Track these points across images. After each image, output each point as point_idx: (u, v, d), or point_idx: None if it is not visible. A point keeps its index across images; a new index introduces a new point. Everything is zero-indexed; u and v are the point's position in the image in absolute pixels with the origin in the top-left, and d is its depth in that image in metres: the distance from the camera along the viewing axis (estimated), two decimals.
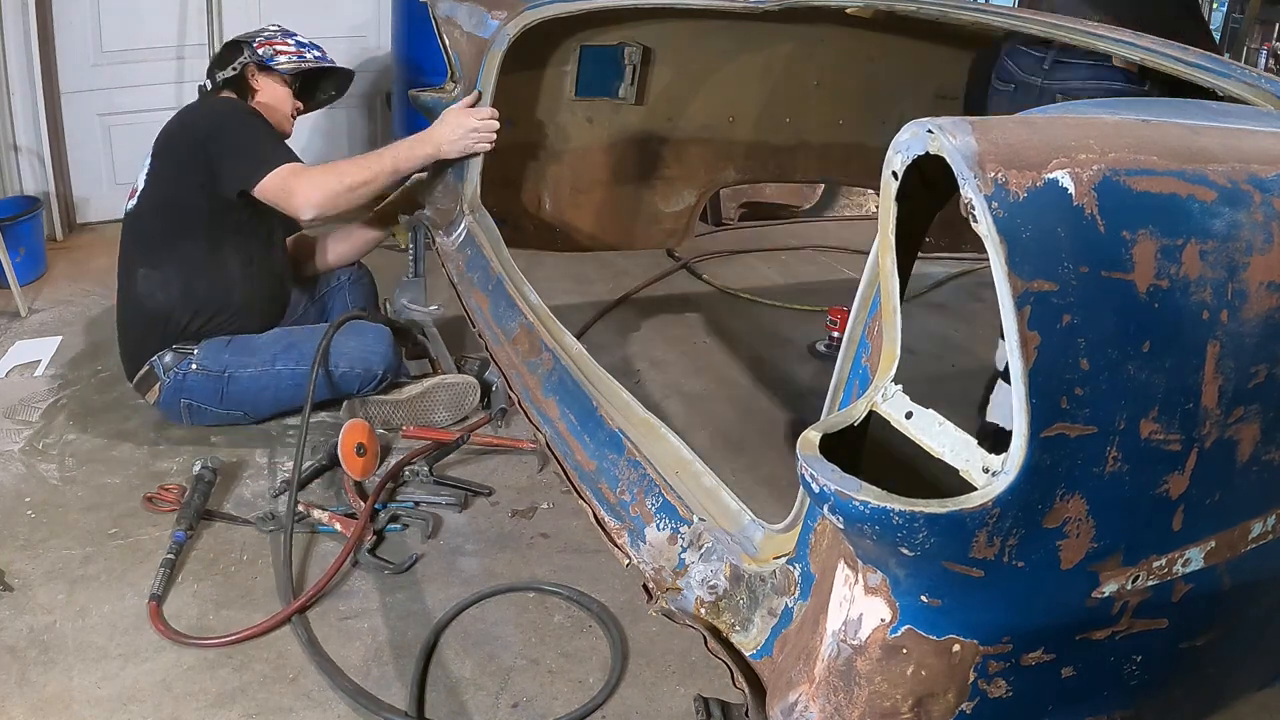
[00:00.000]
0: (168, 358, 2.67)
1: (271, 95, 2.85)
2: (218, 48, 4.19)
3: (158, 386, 2.69)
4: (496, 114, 2.62)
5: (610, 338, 3.54)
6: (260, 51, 2.82)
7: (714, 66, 3.20)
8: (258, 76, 2.84)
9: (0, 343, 3.26)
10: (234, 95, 2.82)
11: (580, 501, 1.68)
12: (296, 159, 2.63)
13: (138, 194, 2.74)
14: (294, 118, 2.92)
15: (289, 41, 2.89)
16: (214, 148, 2.60)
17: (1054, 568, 1.03)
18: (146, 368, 2.69)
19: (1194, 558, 1.13)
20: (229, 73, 2.83)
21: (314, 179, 2.58)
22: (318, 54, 2.94)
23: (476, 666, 2.03)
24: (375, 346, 2.76)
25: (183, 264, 2.68)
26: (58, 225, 4.14)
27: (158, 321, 2.68)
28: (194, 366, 2.66)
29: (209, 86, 2.88)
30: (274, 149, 2.63)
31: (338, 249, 3.12)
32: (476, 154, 2.64)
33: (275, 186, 2.57)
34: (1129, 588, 1.09)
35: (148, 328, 2.70)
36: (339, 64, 3.04)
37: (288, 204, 2.59)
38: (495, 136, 2.62)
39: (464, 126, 2.60)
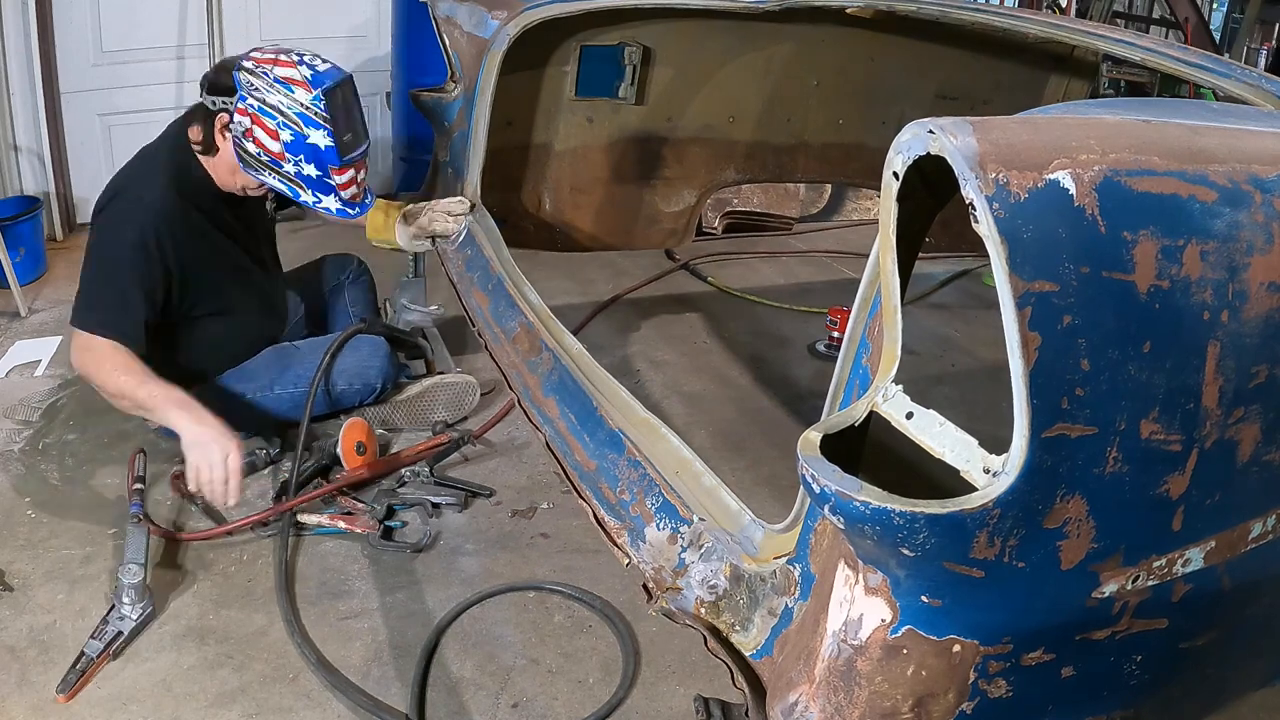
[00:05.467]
0: None
1: (233, 163, 2.40)
2: (218, 48, 4.22)
3: None
4: (235, 486, 2.26)
5: (610, 338, 3.54)
6: (238, 118, 2.31)
7: (714, 66, 3.20)
8: (225, 133, 2.37)
9: (0, 343, 3.26)
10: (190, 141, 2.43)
11: (580, 501, 1.68)
12: (121, 331, 2.31)
13: None
14: (245, 193, 2.49)
15: (280, 133, 2.29)
16: (85, 256, 2.38)
17: (1054, 568, 1.03)
18: None
19: (1194, 558, 1.13)
20: (208, 104, 2.37)
21: (86, 359, 2.33)
22: (305, 173, 2.33)
23: (476, 666, 2.03)
24: (372, 361, 2.75)
25: (155, 340, 2.43)
26: (58, 225, 4.14)
27: None
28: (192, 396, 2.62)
29: (201, 93, 2.39)
30: (109, 309, 2.32)
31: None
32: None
33: (74, 335, 2.35)
34: (1129, 588, 1.09)
35: None
36: (340, 199, 2.42)
37: (72, 355, 2.36)
38: (217, 492, 2.26)
39: (213, 455, 2.23)
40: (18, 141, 3.99)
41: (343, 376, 2.72)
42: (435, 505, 2.49)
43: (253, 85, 2.30)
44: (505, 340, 2.18)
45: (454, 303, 2.53)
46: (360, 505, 2.44)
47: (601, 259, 3.99)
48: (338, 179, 2.39)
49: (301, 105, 2.29)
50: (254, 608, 2.14)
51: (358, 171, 2.43)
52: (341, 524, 2.37)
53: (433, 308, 3.12)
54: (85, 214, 4.28)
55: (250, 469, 2.58)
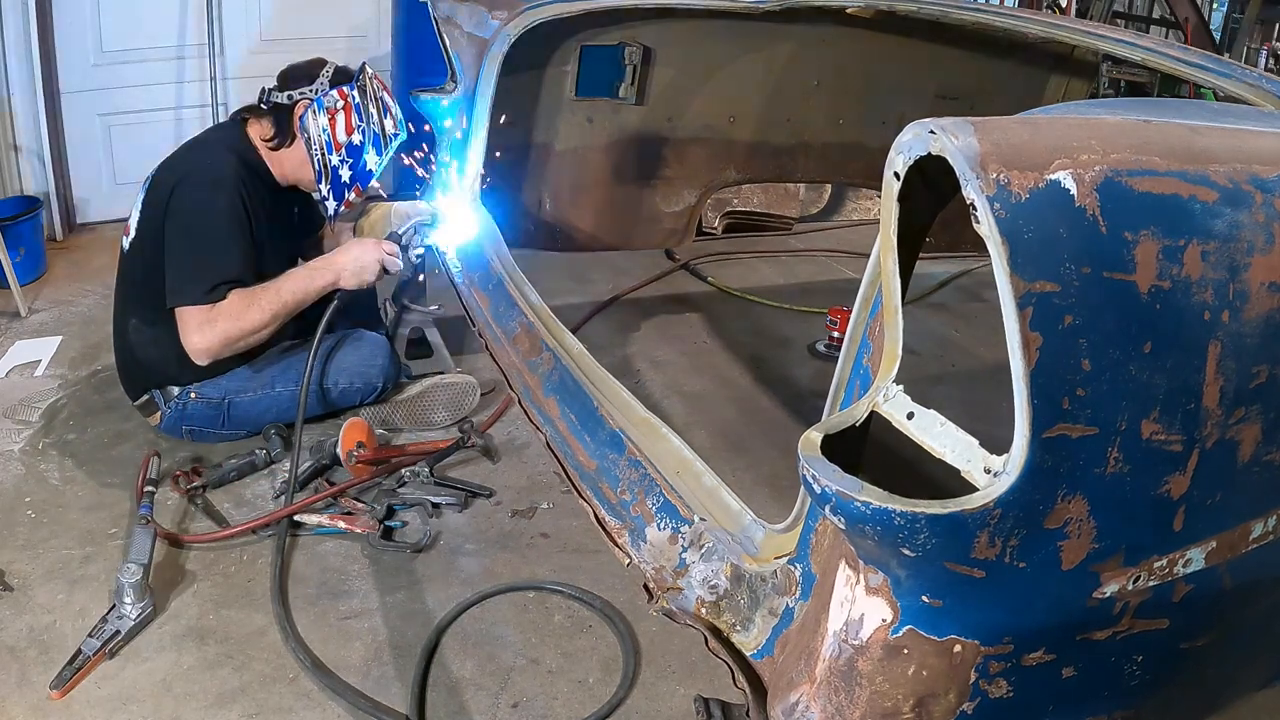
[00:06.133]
0: (167, 389, 2.64)
1: (300, 153, 2.61)
2: (218, 48, 4.22)
3: (159, 414, 2.68)
4: (399, 251, 2.60)
5: (610, 338, 3.54)
6: (330, 96, 2.56)
7: (714, 66, 3.20)
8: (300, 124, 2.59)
9: (0, 343, 3.26)
10: (250, 139, 2.61)
11: (581, 501, 1.68)
12: (233, 279, 2.43)
13: (131, 234, 2.60)
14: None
15: (353, 133, 2.57)
16: (169, 241, 2.45)
17: (1055, 568, 1.03)
18: (147, 396, 2.68)
19: (1195, 558, 1.13)
20: (282, 99, 2.59)
21: (216, 329, 2.42)
22: (340, 175, 2.60)
23: (476, 666, 2.03)
24: (374, 359, 2.76)
25: (174, 328, 2.47)
26: (58, 225, 4.14)
27: (153, 369, 2.63)
28: (193, 395, 2.63)
29: (262, 100, 2.62)
30: (212, 268, 2.42)
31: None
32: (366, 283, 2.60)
33: (182, 317, 2.43)
34: (1130, 588, 1.09)
35: (143, 370, 2.66)
36: (334, 210, 2.69)
37: (184, 340, 2.43)
38: (399, 264, 2.61)
39: (368, 259, 2.55)
40: (18, 141, 3.99)
41: (344, 375, 2.72)
42: (435, 505, 2.49)
43: (365, 87, 2.59)
44: (505, 340, 2.18)
45: (454, 303, 2.53)
46: (360, 505, 2.44)
47: (601, 259, 3.99)
48: (350, 195, 2.67)
49: (383, 130, 2.62)
50: (254, 608, 2.14)
51: (357, 197, 2.71)
52: (341, 524, 2.37)
53: (433, 307, 3.12)
54: (85, 214, 4.30)
55: (250, 469, 2.58)
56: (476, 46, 2.68)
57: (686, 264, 4.21)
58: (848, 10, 2.95)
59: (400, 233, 2.65)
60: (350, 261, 2.56)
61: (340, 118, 2.57)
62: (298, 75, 2.62)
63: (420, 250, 2.67)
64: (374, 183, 2.74)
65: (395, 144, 2.68)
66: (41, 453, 2.65)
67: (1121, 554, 1.06)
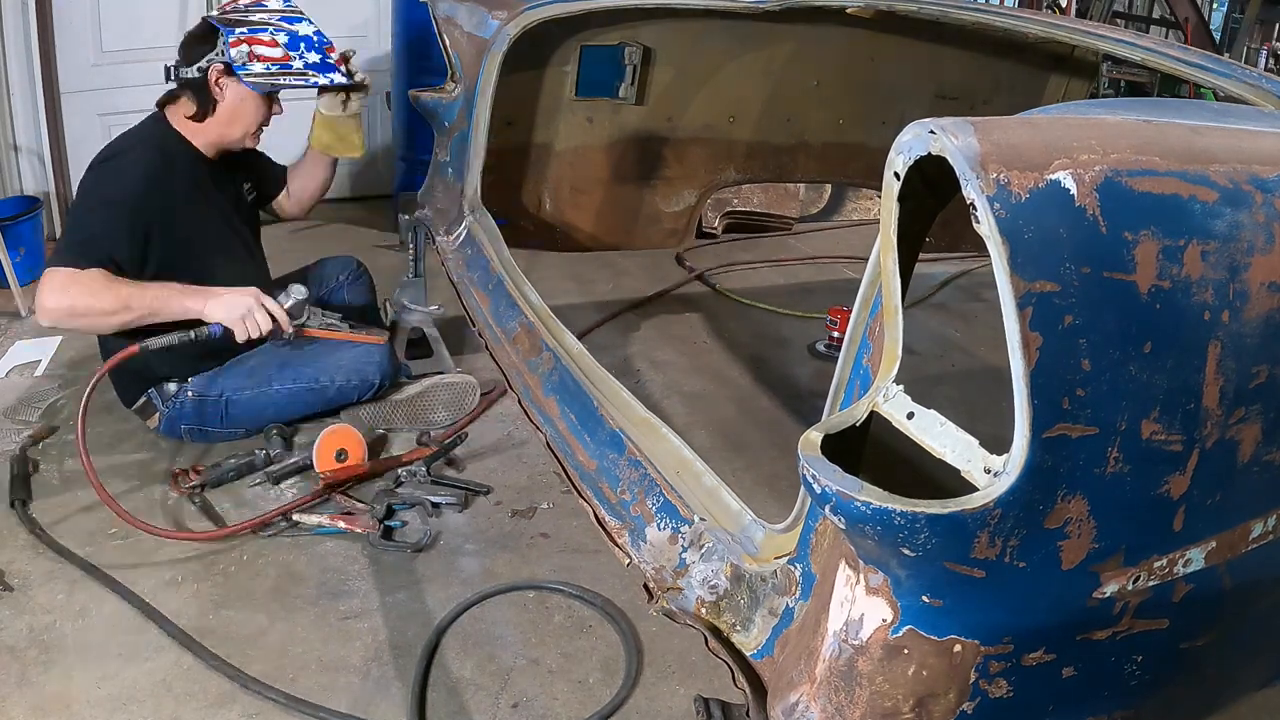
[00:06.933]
0: (164, 388, 2.64)
1: (235, 108, 2.60)
2: None
3: (157, 416, 2.68)
4: (283, 316, 2.54)
5: (610, 338, 3.54)
6: (233, 52, 2.53)
7: (714, 66, 3.20)
8: (223, 81, 2.56)
9: (0, 343, 3.25)
10: (169, 124, 2.61)
11: (581, 501, 1.68)
12: (108, 256, 2.38)
13: None
14: (260, 130, 2.69)
15: (276, 39, 2.56)
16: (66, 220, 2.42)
17: (1055, 568, 1.03)
18: (144, 399, 2.68)
19: (1195, 558, 1.13)
20: (193, 74, 2.56)
21: (69, 294, 2.33)
22: (311, 61, 2.61)
23: (476, 666, 2.03)
24: (370, 356, 2.75)
25: (162, 327, 2.46)
26: (58, 225, 4.13)
27: (146, 368, 2.60)
28: (190, 394, 2.63)
29: (172, 78, 2.62)
30: (87, 243, 2.39)
31: (301, 186, 3.00)
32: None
33: (45, 277, 2.36)
34: (1130, 588, 1.09)
35: (130, 375, 2.64)
36: (341, 71, 2.69)
37: (37, 298, 2.36)
38: (265, 329, 2.51)
39: (242, 306, 2.47)
40: (18, 141, 3.99)
41: (341, 372, 2.72)
42: (435, 505, 2.49)
43: (234, 20, 2.58)
44: (505, 340, 2.19)
45: (454, 303, 2.53)
46: (360, 505, 2.44)
47: (601, 259, 3.99)
48: (332, 56, 2.69)
49: (279, 10, 2.63)
50: (254, 608, 2.14)
51: (341, 61, 2.73)
52: (341, 524, 2.37)
53: (433, 308, 3.12)
54: None
55: (249, 468, 2.58)
56: (476, 46, 2.68)
57: (701, 274, 4.14)
58: (848, 10, 2.95)
59: (288, 306, 2.63)
60: (227, 296, 2.49)
61: (258, 48, 2.55)
62: (197, 44, 2.59)
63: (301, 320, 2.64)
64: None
65: (290, 3, 2.66)
66: (42, 453, 2.65)
67: (1121, 554, 1.06)
